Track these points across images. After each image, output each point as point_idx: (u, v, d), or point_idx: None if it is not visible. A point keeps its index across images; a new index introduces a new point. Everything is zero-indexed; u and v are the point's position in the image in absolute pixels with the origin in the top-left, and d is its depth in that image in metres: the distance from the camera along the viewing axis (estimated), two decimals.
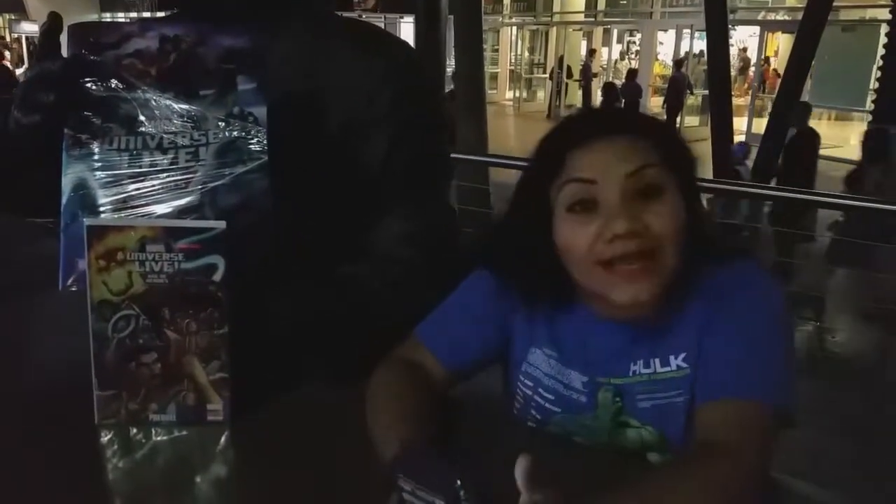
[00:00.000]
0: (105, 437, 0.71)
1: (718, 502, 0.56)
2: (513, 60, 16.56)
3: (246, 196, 0.74)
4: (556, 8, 15.80)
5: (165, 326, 0.70)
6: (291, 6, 0.89)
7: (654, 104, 11.98)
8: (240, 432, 0.72)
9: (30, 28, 14.82)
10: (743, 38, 13.47)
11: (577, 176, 0.67)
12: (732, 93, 7.38)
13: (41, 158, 0.75)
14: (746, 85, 12.73)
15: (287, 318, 0.80)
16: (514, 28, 16.66)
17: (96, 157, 0.73)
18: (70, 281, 0.72)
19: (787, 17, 12.10)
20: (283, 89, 0.79)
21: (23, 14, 14.84)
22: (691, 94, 11.31)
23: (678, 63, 11.49)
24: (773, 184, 5.38)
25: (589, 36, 15.22)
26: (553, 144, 0.71)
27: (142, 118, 0.74)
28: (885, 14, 8.96)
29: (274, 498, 0.64)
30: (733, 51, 10.58)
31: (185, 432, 0.72)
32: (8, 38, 16.05)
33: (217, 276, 0.69)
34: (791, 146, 6.08)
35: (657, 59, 14.11)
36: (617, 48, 15.44)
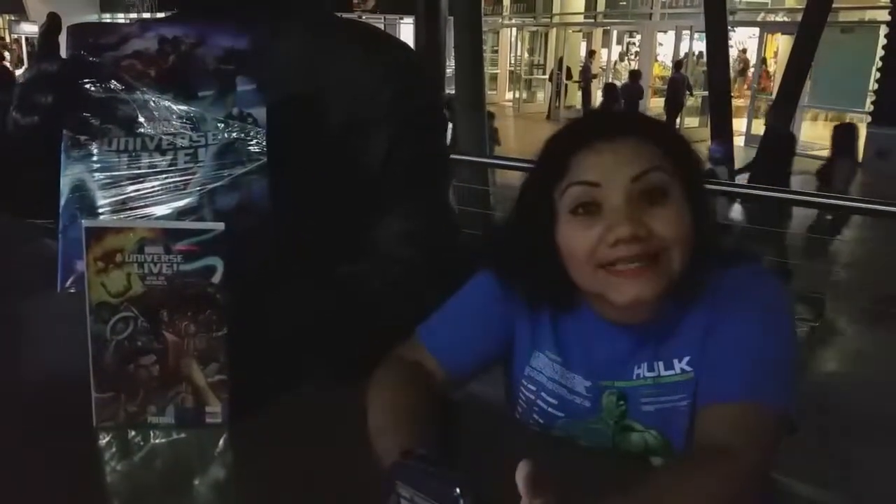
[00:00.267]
0: (103, 440, 0.70)
1: None
2: (512, 61, 16.58)
3: (245, 197, 0.73)
4: (556, 9, 15.81)
5: (164, 328, 0.70)
6: (291, 7, 0.89)
7: (654, 105, 11.98)
8: (238, 435, 0.72)
9: (30, 29, 14.82)
10: (742, 39, 13.47)
11: (580, 179, 0.67)
12: (732, 94, 7.38)
13: (40, 159, 0.75)
14: (746, 86, 12.73)
15: (286, 320, 0.80)
16: (514, 29, 16.67)
17: (95, 159, 0.73)
18: (69, 283, 0.72)
19: (786, 19, 12.11)
20: (282, 90, 0.79)
21: (23, 15, 14.83)
22: (691, 95, 11.32)
23: (677, 64, 11.50)
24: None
25: (588, 37, 15.23)
26: (557, 147, 0.70)
27: (141, 119, 0.74)
28: (884, 16, 8.99)
29: (273, 500, 0.64)
30: (732, 52, 10.58)
31: (183, 435, 0.71)
32: (8, 39, 16.06)
33: (216, 278, 0.69)
34: (766, 144, 6.17)
35: (657, 61, 14.12)
36: (616, 49, 15.46)
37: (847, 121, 7.00)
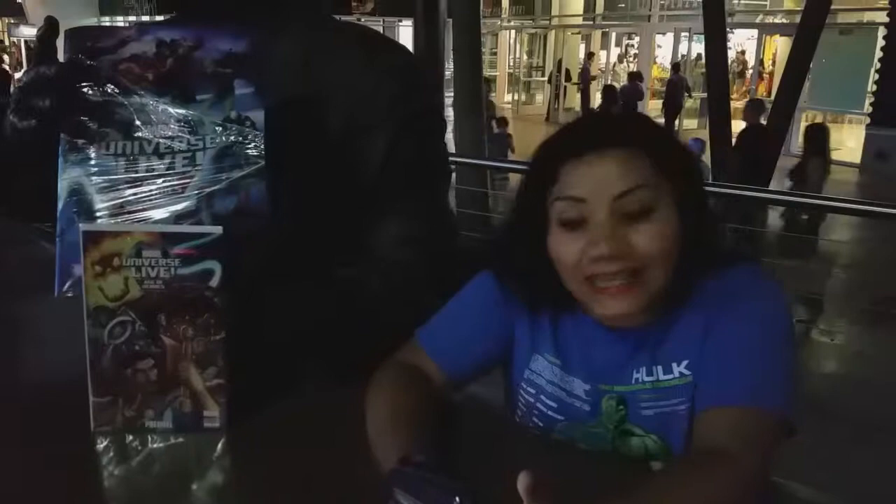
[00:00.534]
0: (101, 444, 0.70)
1: None
2: (511, 64, 16.59)
3: (243, 201, 0.73)
4: (555, 11, 15.83)
5: (162, 332, 0.69)
6: (289, 10, 0.88)
7: (653, 107, 11.99)
8: (237, 439, 0.71)
9: (29, 32, 14.84)
10: (741, 41, 13.49)
11: (566, 194, 0.67)
12: (731, 96, 7.39)
13: (38, 163, 0.74)
14: (744, 87, 12.74)
15: (284, 323, 0.80)
16: (513, 31, 16.69)
17: (93, 162, 0.73)
18: (66, 287, 0.72)
19: (785, 21, 12.12)
20: (280, 94, 0.79)
21: (22, 18, 14.85)
22: (689, 96, 11.33)
23: (675, 66, 11.51)
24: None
25: (587, 39, 15.25)
26: (547, 155, 0.70)
27: (138, 123, 0.74)
28: (882, 17, 9.00)
29: None
30: (731, 54, 10.60)
31: (181, 439, 0.71)
32: (7, 43, 16.07)
33: (214, 282, 0.69)
34: (742, 142, 6.24)
35: (655, 63, 14.14)
36: (615, 51, 15.47)
37: (819, 122, 7.15)
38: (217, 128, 0.74)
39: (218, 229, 0.68)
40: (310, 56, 0.86)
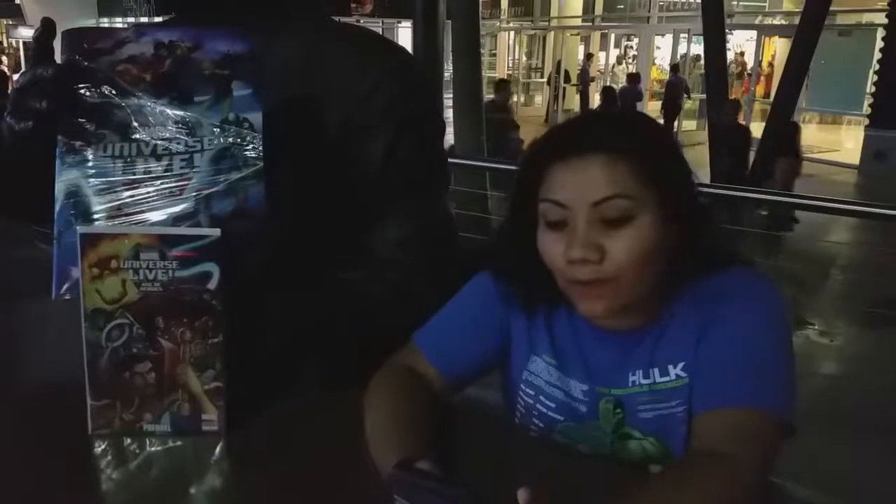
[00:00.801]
0: (99, 447, 0.70)
1: None
2: (510, 65, 16.61)
3: (241, 203, 0.73)
4: (554, 12, 15.85)
5: (160, 335, 0.69)
6: (287, 12, 0.88)
7: (652, 108, 12.00)
8: (235, 442, 0.71)
9: (27, 33, 14.83)
10: (740, 42, 13.51)
11: (549, 197, 0.68)
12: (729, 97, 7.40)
13: (35, 165, 0.74)
14: (743, 89, 12.75)
15: (283, 326, 0.80)
16: (512, 33, 16.71)
17: (90, 164, 0.73)
18: (63, 289, 0.71)
19: (784, 22, 12.14)
20: (279, 95, 0.79)
21: (20, 19, 14.85)
22: (688, 98, 11.34)
23: (674, 67, 11.52)
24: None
25: (586, 40, 15.26)
26: (535, 156, 0.71)
27: (136, 124, 0.73)
28: (881, 18, 9.01)
29: None
30: (730, 55, 10.61)
31: (179, 442, 0.71)
32: (5, 44, 16.07)
33: (212, 285, 0.68)
34: (721, 141, 6.27)
35: (654, 64, 14.15)
36: (614, 53, 15.49)
37: (792, 120, 7.26)
38: (215, 129, 0.74)
39: (216, 231, 0.68)
40: (308, 57, 0.85)
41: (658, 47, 14.16)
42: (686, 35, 12.37)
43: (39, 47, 0.76)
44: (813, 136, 10.76)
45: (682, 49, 12.64)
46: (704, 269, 0.69)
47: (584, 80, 13.31)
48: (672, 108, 10.72)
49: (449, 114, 5.19)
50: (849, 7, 10.41)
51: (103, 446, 0.70)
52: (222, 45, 0.75)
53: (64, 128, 0.73)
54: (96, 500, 0.65)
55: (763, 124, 7.22)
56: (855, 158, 9.13)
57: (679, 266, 0.68)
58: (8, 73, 10.89)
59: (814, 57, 6.83)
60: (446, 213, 0.93)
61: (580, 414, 0.74)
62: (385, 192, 0.86)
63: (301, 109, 0.84)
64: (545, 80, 14.95)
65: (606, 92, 9.91)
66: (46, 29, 0.76)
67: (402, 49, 0.96)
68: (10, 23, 15.95)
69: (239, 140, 0.74)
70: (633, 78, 11.28)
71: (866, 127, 9.07)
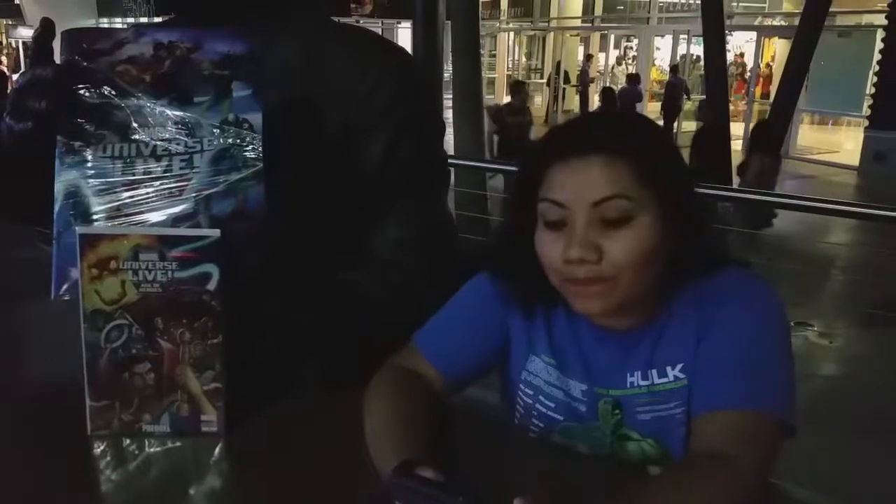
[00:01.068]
0: (98, 448, 0.70)
1: None
2: (510, 66, 16.61)
3: (241, 203, 0.73)
4: (554, 13, 15.85)
5: (159, 336, 0.69)
6: (287, 12, 0.88)
7: (652, 109, 12.00)
8: (234, 443, 0.71)
9: (26, 33, 14.84)
10: (739, 43, 13.51)
11: (549, 196, 0.68)
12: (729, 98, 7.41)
13: (34, 165, 0.74)
14: (734, 89, 12.75)
15: (283, 327, 0.80)
16: (512, 33, 16.71)
17: (89, 165, 0.73)
18: (63, 290, 0.71)
19: (783, 23, 12.15)
20: (278, 96, 0.79)
21: (20, 19, 14.84)
22: (688, 98, 11.34)
23: (674, 68, 11.53)
24: None
25: (586, 41, 15.27)
26: (535, 157, 0.71)
27: (135, 125, 0.73)
28: (881, 20, 9.02)
29: None
30: (730, 56, 10.61)
31: (178, 443, 0.71)
32: (4, 44, 16.07)
33: (211, 285, 0.68)
34: (697, 142, 6.29)
35: (654, 65, 14.16)
36: (614, 53, 15.50)
37: (767, 119, 7.31)
38: (215, 130, 0.74)
39: (216, 232, 0.68)
40: (308, 58, 0.85)
41: (658, 48, 14.17)
42: (686, 36, 12.38)
43: (39, 47, 0.76)
44: (812, 137, 10.77)
45: (681, 50, 12.65)
46: (702, 270, 0.69)
47: (584, 80, 13.32)
48: (672, 108, 10.72)
49: (449, 114, 5.19)
50: (848, 8, 10.42)
51: (102, 447, 0.70)
52: (222, 45, 0.75)
53: (63, 128, 0.73)
54: (96, 501, 0.64)
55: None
56: (854, 160, 9.13)
57: (677, 267, 0.68)
58: (7, 74, 10.88)
59: (813, 58, 6.83)
60: (446, 213, 0.93)
61: (580, 414, 0.74)
62: (385, 192, 0.86)
63: (301, 110, 0.84)
64: (545, 80, 14.95)
65: (606, 93, 9.91)
66: (46, 29, 0.76)
67: (402, 49, 0.96)
68: (10, 23, 15.94)
69: (238, 141, 0.74)
70: (633, 79, 11.29)
71: (866, 128, 9.08)
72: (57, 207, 0.72)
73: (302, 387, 0.80)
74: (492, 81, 15.73)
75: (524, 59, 16.56)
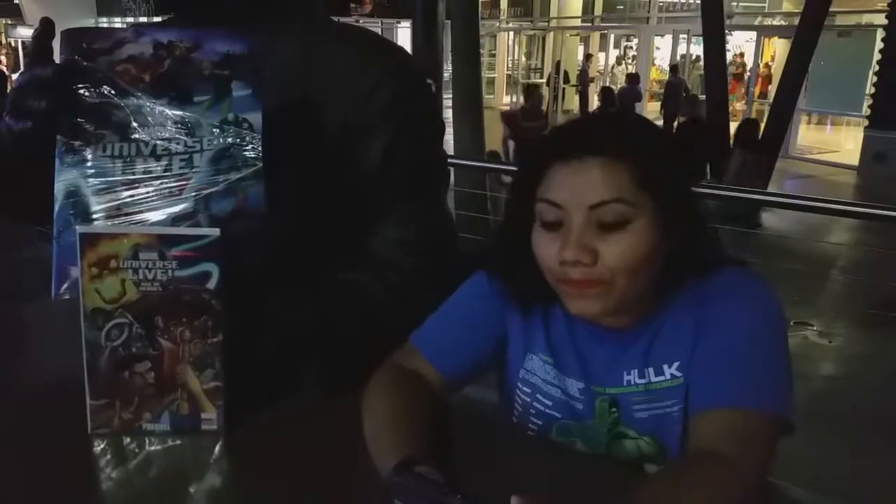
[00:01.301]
0: (98, 446, 0.70)
1: None
2: (510, 65, 16.60)
3: (241, 203, 0.73)
4: (553, 13, 15.85)
5: (159, 335, 0.69)
6: (287, 12, 0.88)
7: (651, 109, 12.00)
8: (234, 441, 0.71)
9: (26, 33, 14.82)
10: (739, 43, 13.51)
11: (547, 197, 0.68)
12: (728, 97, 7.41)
13: (34, 165, 0.74)
14: (742, 90, 12.75)
15: (283, 326, 0.80)
16: (511, 33, 16.71)
17: (89, 164, 0.73)
18: (63, 289, 0.71)
19: (783, 23, 12.14)
20: (278, 95, 0.79)
21: (19, 19, 14.83)
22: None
23: (673, 68, 11.52)
24: None
25: (586, 41, 15.27)
26: (534, 156, 0.71)
27: (135, 124, 0.73)
28: (881, 19, 9.01)
29: None
30: (729, 56, 10.61)
31: (178, 441, 0.71)
32: (3, 43, 16.06)
33: (211, 284, 0.68)
34: (679, 135, 6.33)
35: (654, 65, 14.15)
36: (614, 53, 15.50)
37: (752, 117, 7.33)
38: (214, 130, 0.74)
39: (215, 231, 0.68)
40: (308, 58, 0.86)
41: (657, 48, 14.17)
42: (685, 36, 12.38)
43: (38, 47, 0.76)
44: (812, 136, 10.77)
45: (681, 50, 12.65)
46: (700, 270, 0.69)
47: (584, 80, 13.31)
48: (672, 108, 10.71)
49: (448, 114, 5.19)
50: (848, 8, 10.41)
51: (102, 445, 0.70)
52: (222, 45, 0.76)
53: (63, 127, 0.73)
54: (96, 499, 0.65)
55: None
56: (854, 159, 9.13)
57: (674, 268, 0.68)
58: (7, 73, 10.87)
59: (813, 58, 6.83)
60: (446, 213, 0.93)
61: (578, 411, 0.74)
62: (385, 192, 0.86)
63: (301, 110, 0.84)
64: (544, 80, 14.95)
65: (605, 92, 9.90)
66: (45, 29, 0.76)
67: (402, 49, 0.96)
68: (9, 22, 15.93)
69: (238, 140, 0.74)
70: (633, 78, 11.28)
71: (866, 128, 9.08)
72: (57, 207, 0.72)
73: (302, 386, 0.80)
74: (491, 81, 15.74)
75: (524, 58, 16.54)
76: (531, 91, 7.64)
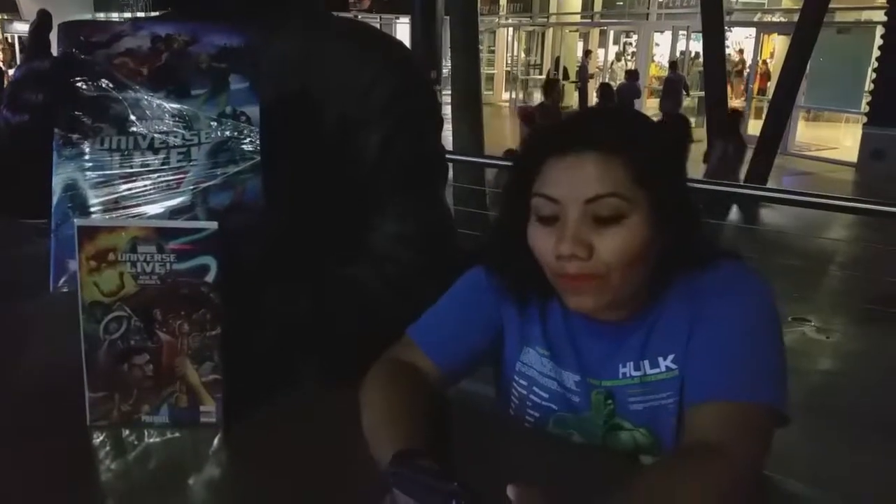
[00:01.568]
0: (97, 439, 0.70)
1: None
2: (509, 61, 16.58)
3: (238, 196, 0.73)
4: (553, 9, 15.82)
5: (157, 328, 0.69)
6: (285, 5, 0.88)
7: (651, 105, 11.99)
8: (233, 434, 0.71)
9: (22, 28, 14.76)
10: (739, 39, 13.50)
11: (543, 192, 0.68)
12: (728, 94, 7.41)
13: (32, 158, 0.74)
14: (741, 86, 12.74)
15: (281, 319, 0.80)
16: (511, 29, 16.68)
17: (87, 157, 0.73)
18: (61, 282, 0.71)
19: (783, 19, 12.13)
20: (276, 89, 0.79)
21: (15, 14, 14.77)
22: (687, 95, 11.33)
23: (672, 64, 11.51)
24: None
25: (585, 37, 15.25)
26: (530, 151, 0.71)
27: (133, 118, 0.73)
28: (880, 16, 9.01)
29: (267, 500, 0.64)
30: (729, 52, 10.60)
31: (177, 434, 0.71)
32: (0, 38, 16.00)
33: (209, 277, 0.69)
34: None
35: (653, 61, 14.14)
36: (613, 49, 15.48)
37: (735, 108, 7.36)
38: (212, 123, 0.74)
39: (214, 224, 0.68)
40: (306, 51, 0.86)
41: (657, 44, 14.15)
42: (685, 32, 12.36)
43: (35, 40, 0.76)
44: (811, 133, 10.77)
45: (681, 46, 12.64)
46: (695, 265, 0.70)
47: (583, 76, 13.30)
48: (671, 105, 10.69)
49: (447, 110, 5.18)
50: (848, 5, 10.41)
51: (101, 438, 0.70)
52: (219, 38, 0.76)
53: (61, 121, 0.73)
54: (95, 491, 0.65)
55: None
56: (853, 156, 9.14)
57: (669, 263, 0.68)
58: (3, 69, 10.84)
59: (812, 54, 6.83)
60: (444, 208, 0.93)
61: (574, 404, 0.75)
62: (383, 186, 0.86)
63: (299, 104, 0.84)
64: (544, 76, 14.93)
65: (604, 89, 9.88)
66: (42, 21, 0.76)
67: (401, 43, 0.96)
68: (5, 17, 15.86)
69: (236, 134, 0.74)
70: (632, 75, 11.27)
71: (864, 125, 9.08)
72: (55, 200, 0.72)
73: (300, 379, 0.80)
74: (491, 77, 15.72)
75: (523, 54, 16.51)
76: (550, 87, 7.49)
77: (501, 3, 16.93)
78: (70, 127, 0.73)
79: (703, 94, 8.33)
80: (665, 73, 12.01)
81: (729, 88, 8.33)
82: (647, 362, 0.71)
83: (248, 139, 0.74)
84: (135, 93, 0.74)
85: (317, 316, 0.82)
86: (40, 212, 0.74)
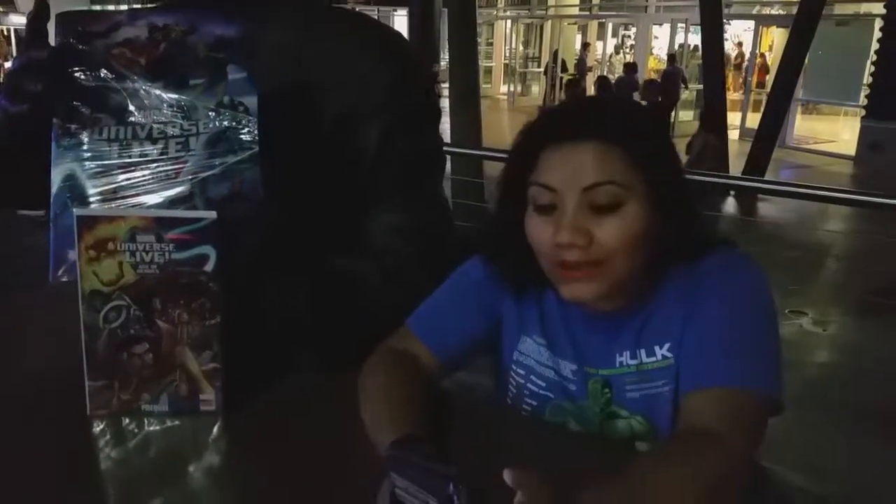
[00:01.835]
0: (97, 428, 0.70)
1: (706, 490, 0.57)
2: (507, 54, 16.52)
3: (237, 186, 0.73)
4: (551, 1, 15.76)
5: (157, 317, 0.70)
6: None
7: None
8: (232, 422, 0.72)
9: (18, 21, 14.67)
10: (738, 32, 13.46)
11: (541, 181, 0.68)
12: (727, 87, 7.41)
13: (30, 148, 0.74)
14: (740, 79, 12.72)
15: (279, 308, 0.80)
16: (509, 21, 16.60)
17: (85, 148, 0.73)
18: (60, 272, 0.72)
19: (781, 12, 12.10)
20: (274, 79, 0.79)
21: (10, 6, 14.67)
22: (686, 88, 11.31)
23: (671, 58, 11.48)
24: None
25: (583, 30, 15.20)
26: (527, 142, 0.71)
27: (131, 108, 0.74)
28: (879, 9, 8.99)
29: (266, 488, 0.64)
30: (728, 45, 10.58)
31: (177, 422, 0.71)
32: None
33: (209, 267, 0.69)
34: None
35: (652, 54, 14.10)
36: (612, 42, 15.43)
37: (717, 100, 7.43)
38: (210, 113, 0.74)
39: (212, 214, 0.68)
40: (304, 42, 0.85)
41: (656, 37, 14.10)
42: (684, 25, 12.31)
43: (33, 30, 0.76)
44: (809, 126, 10.76)
45: (679, 39, 12.59)
46: (690, 253, 0.70)
47: (581, 69, 13.26)
48: (669, 98, 10.68)
49: (445, 103, 5.17)
50: None
51: (102, 426, 0.71)
52: (217, 28, 0.76)
53: (59, 111, 0.73)
54: (95, 480, 0.65)
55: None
56: (851, 149, 9.13)
57: (665, 252, 0.69)
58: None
59: (811, 47, 6.82)
60: (442, 199, 0.94)
61: (571, 392, 0.75)
62: (381, 178, 0.86)
63: (297, 94, 0.84)
64: (542, 69, 14.89)
65: (601, 82, 9.85)
66: (40, 12, 0.76)
67: (399, 34, 0.96)
68: (1, 10, 15.76)
69: (234, 123, 0.74)
70: (630, 68, 11.24)
71: (863, 118, 9.07)
72: (54, 190, 0.73)
73: (299, 369, 0.81)
74: (489, 70, 15.66)
75: (521, 47, 16.45)
76: (572, 85, 7.52)
77: None
78: (68, 117, 0.73)
79: (701, 86, 8.32)
80: (664, 66, 11.98)
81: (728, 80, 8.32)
82: (643, 351, 0.71)
83: (247, 129, 0.74)
84: (133, 83, 0.74)
85: (315, 308, 0.82)
86: (39, 202, 0.75)
